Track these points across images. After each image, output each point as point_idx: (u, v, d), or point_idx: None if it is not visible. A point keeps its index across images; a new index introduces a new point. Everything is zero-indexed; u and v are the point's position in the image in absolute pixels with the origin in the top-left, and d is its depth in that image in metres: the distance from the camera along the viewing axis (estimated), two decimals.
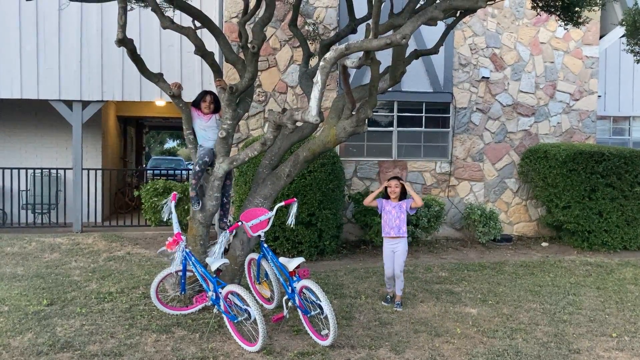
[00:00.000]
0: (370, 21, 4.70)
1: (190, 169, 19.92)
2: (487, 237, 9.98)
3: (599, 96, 11.66)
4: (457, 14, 6.82)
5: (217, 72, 6.29)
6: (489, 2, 5.63)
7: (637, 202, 9.54)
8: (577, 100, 10.97)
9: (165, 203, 5.97)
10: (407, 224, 9.30)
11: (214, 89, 6.25)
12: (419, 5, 6.38)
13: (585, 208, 9.46)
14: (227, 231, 5.49)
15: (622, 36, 8.39)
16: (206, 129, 6.01)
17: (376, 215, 9.01)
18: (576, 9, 6.84)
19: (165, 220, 5.98)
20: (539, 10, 7.12)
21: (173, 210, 5.82)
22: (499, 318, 5.90)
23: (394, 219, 6.20)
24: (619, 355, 4.96)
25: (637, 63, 8.52)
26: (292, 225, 5.78)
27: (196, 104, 6.06)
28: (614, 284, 7.39)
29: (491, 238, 10.05)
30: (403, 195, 6.32)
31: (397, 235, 6.19)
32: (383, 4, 5.33)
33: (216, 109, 6.08)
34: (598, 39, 11.03)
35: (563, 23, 7.20)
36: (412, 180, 10.36)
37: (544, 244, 10.14)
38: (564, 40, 10.86)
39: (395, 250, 6.22)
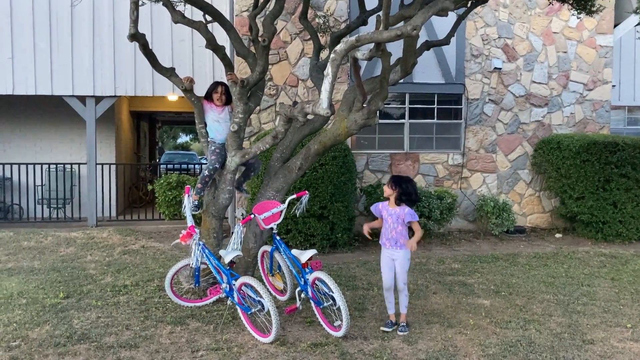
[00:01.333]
0: (380, 13, 4.69)
1: (204, 163, 20.02)
2: (500, 229, 9.94)
3: (613, 86, 11.52)
4: (469, 5, 6.78)
5: (228, 65, 6.31)
6: None
7: None
8: (591, 90, 10.86)
9: (174, 196, 6.02)
10: (421, 216, 9.31)
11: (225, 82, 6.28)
12: None
13: (599, 199, 9.39)
14: (240, 224, 5.53)
15: (638, 24, 8.29)
16: (219, 121, 6.03)
17: None
18: None
19: (185, 214, 6.05)
20: None
21: (186, 203, 5.87)
22: (512, 309, 5.89)
23: (390, 229, 5.28)
24: (633, 346, 4.94)
25: None
26: (298, 215, 5.79)
27: (208, 95, 6.07)
28: (628, 275, 7.34)
29: (504, 230, 10.01)
30: (407, 199, 5.31)
31: (393, 247, 5.29)
32: None
33: (228, 100, 6.09)
34: (612, 27, 10.90)
35: (576, 12, 7.12)
36: (425, 172, 10.34)
37: (558, 235, 10.09)
38: (577, 29, 10.75)
39: (394, 258, 5.29)
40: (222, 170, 6.07)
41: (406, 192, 5.29)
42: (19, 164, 10.92)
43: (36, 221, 11.03)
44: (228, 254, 5.28)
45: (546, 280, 7.01)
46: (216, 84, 6.08)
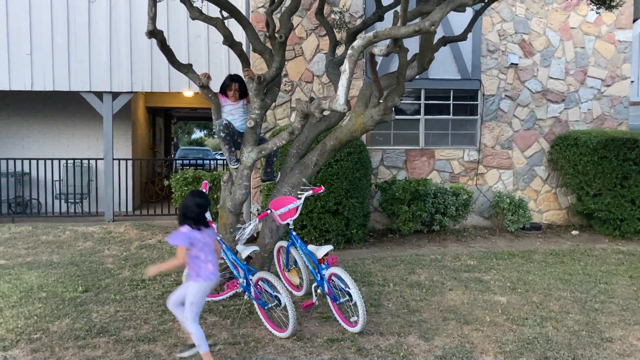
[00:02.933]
0: (398, 8, 4.68)
1: (218, 158, 20.05)
2: (516, 226, 9.88)
3: (632, 81, 11.38)
4: (486, 0, 6.73)
5: (245, 62, 6.33)
6: None
7: None
8: (609, 86, 10.74)
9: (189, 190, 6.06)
10: (436, 213, 9.31)
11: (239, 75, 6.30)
12: None
13: (617, 196, 9.30)
14: (257, 219, 5.55)
15: None
16: (233, 113, 6.05)
17: (403, 204, 9.01)
18: None
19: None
20: None
21: None
22: (528, 306, 5.87)
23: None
24: None
25: None
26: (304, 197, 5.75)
27: (222, 90, 6.10)
28: None
29: (520, 226, 9.95)
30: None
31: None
32: None
33: (242, 94, 6.10)
34: (631, 22, 10.75)
35: (595, 7, 7.05)
36: (440, 169, 10.31)
37: (574, 233, 10.00)
38: (595, 24, 10.62)
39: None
40: (239, 167, 6.08)
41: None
42: (37, 159, 11.05)
43: (54, 216, 11.17)
44: (245, 250, 5.31)
45: (563, 278, 6.97)
46: (230, 80, 6.08)
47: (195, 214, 4.30)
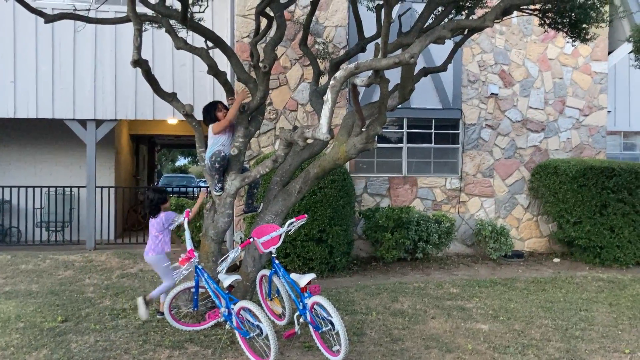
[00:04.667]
0: (379, 40, 4.79)
1: (202, 186, 19.94)
2: (498, 253, 9.96)
3: (609, 111, 11.66)
4: (465, 32, 6.90)
5: (230, 91, 6.40)
6: (496, 21, 5.71)
7: None
8: (587, 115, 10.99)
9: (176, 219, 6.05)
10: (419, 240, 9.38)
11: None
12: (427, 25, 6.47)
13: (596, 223, 9.44)
14: (239, 247, 5.55)
15: (631, 52, 8.44)
16: (225, 144, 6.07)
17: (387, 231, 9.05)
18: (583, 25, 6.90)
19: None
20: (546, 27, 7.19)
21: (186, 227, 5.90)
22: (510, 334, 5.89)
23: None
24: None
25: None
26: (292, 233, 5.83)
27: (212, 115, 6.11)
28: (626, 300, 7.35)
29: (502, 254, 10.03)
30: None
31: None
32: (392, 24, 5.42)
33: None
34: (607, 54, 11.08)
35: (571, 40, 7.26)
36: (423, 197, 10.40)
37: (556, 260, 10.10)
38: (572, 56, 10.92)
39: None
40: (222, 194, 6.10)
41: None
42: (19, 187, 10.94)
43: (34, 244, 11.02)
44: (227, 278, 5.29)
45: (544, 305, 7.02)
46: (216, 103, 6.13)
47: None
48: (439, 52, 9.75)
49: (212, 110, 6.10)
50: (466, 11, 7.32)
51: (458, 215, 10.48)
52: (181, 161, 48.19)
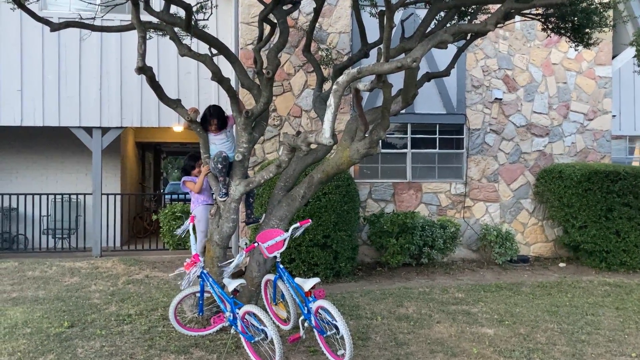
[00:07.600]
0: (381, 45, 4.82)
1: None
2: (503, 258, 9.94)
3: (614, 116, 11.65)
4: (468, 37, 6.93)
5: (234, 97, 6.44)
6: (498, 25, 5.73)
7: None
8: (591, 120, 10.98)
9: (179, 225, 6.11)
10: (424, 245, 9.39)
11: (229, 112, 6.42)
12: (429, 29, 6.50)
13: (602, 228, 9.41)
14: (244, 252, 5.57)
15: (635, 56, 8.44)
16: (216, 142, 6.15)
17: (391, 237, 9.05)
18: (586, 30, 6.91)
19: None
20: (549, 32, 7.21)
21: (191, 232, 5.93)
22: (515, 338, 5.88)
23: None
24: None
25: None
26: (297, 236, 5.85)
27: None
28: (633, 304, 7.32)
29: (508, 259, 10.00)
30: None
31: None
32: (394, 29, 5.46)
33: (222, 124, 6.18)
34: (610, 59, 11.07)
35: (574, 44, 7.27)
36: (427, 202, 10.40)
37: (561, 265, 10.07)
38: (576, 60, 10.92)
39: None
40: (226, 200, 6.13)
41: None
42: (25, 195, 11.02)
43: (41, 251, 11.08)
44: (232, 283, 5.31)
45: (550, 310, 7.00)
46: (208, 114, 6.16)
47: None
48: (442, 58, 9.78)
49: (204, 119, 6.17)
50: (469, 17, 7.35)
51: (463, 220, 10.47)
52: None
